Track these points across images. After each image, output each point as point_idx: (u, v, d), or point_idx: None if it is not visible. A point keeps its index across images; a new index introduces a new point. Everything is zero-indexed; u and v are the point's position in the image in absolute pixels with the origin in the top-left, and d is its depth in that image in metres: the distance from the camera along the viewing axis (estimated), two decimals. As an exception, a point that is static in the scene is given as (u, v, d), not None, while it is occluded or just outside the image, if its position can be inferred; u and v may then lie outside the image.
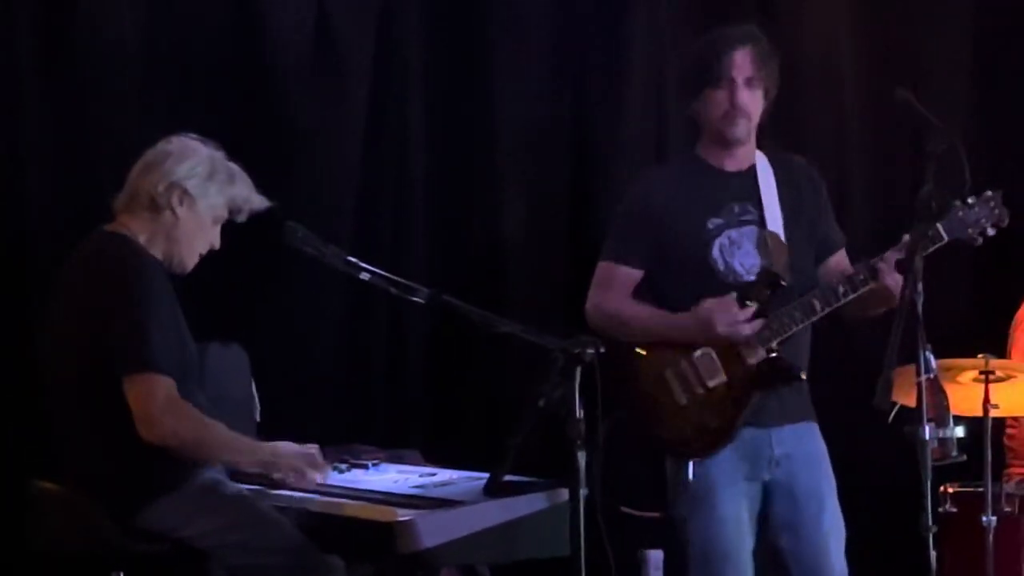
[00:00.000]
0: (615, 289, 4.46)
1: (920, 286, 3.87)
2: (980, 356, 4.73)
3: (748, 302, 4.32)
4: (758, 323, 4.29)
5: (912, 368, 3.84)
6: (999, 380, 4.77)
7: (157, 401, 3.85)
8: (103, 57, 5.30)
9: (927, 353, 3.84)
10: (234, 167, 4.17)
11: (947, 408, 3.95)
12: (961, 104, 6.13)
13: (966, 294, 5.75)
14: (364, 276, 3.95)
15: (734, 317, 4.29)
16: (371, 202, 5.66)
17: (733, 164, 4.45)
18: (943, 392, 3.97)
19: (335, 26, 5.62)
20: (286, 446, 4.13)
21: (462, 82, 5.83)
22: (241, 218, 4.20)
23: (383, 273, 3.95)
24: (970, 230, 4.27)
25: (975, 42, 6.30)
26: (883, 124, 6.04)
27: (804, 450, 4.42)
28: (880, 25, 6.23)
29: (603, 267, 4.52)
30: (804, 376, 4.38)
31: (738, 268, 4.38)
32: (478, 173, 5.87)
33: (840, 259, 4.54)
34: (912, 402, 3.84)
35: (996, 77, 6.31)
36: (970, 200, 4.26)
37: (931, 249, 4.17)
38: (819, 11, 6.15)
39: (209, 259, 4.21)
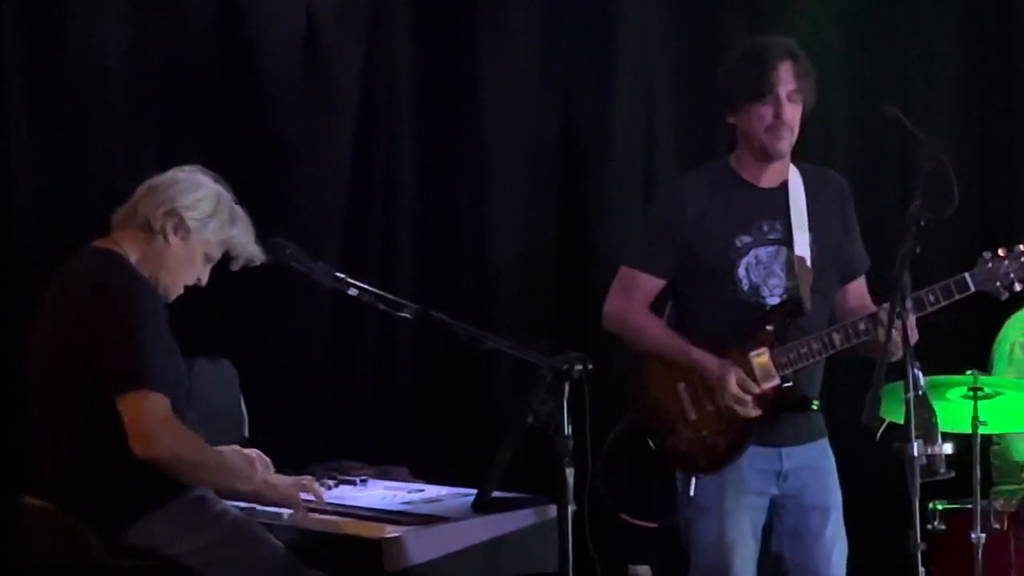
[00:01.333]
0: (635, 297, 4.47)
1: (908, 303, 3.87)
2: (969, 373, 4.73)
3: (768, 326, 4.33)
4: (753, 412, 4.29)
5: (900, 385, 3.84)
6: (987, 397, 4.76)
7: (153, 418, 3.83)
8: (90, 72, 5.29)
9: (915, 370, 3.84)
10: (239, 210, 4.14)
11: (935, 425, 3.94)
12: (948, 123, 6.14)
13: (954, 311, 5.74)
14: (352, 292, 3.94)
15: (744, 394, 4.29)
16: (359, 218, 5.66)
17: (767, 179, 4.44)
18: (931, 409, 3.96)
19: (323, 42, 5.62)
20: (281, 477, 4.11)
21: (450, 98, 5.84)
22: (235, 266, 4.16)
23: (371, 289, 3.95)
24: (998, 283, 4.29)
25: (963, 60, 6.32)
26: (871, 140, 6.05)
27: (813, 465, 4.45)
28: (867, 47, 6.24)
29: (625, 273, 4.51)
30: (816, 406, 4.40)
31: (762, 289, 4.38)
32: (466, 188, 5.87)
33: (859, 285, 4.56)
34: (900, 419, 3.84)
35: (984, 97, 6.32)
36: (1000, 252, 4.27)
37: (957, 298, 4.20)
38: (808, 25, 6.16)
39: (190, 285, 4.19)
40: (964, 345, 5.60)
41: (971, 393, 4.73)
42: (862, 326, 4.30)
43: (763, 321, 4.35)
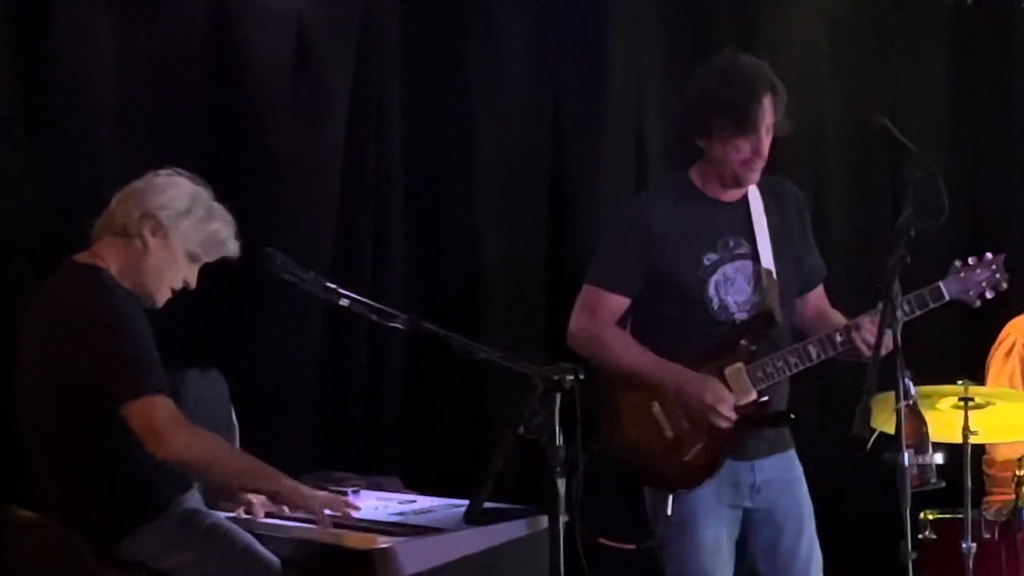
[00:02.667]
0: (601, 316, 4.41)
1: (899, 313, 3.88)
2: (959, 383, 4.73)
3: (742, 341, 4.33)
4: (729, 422, 4.28)
5: (891, 395, 3.84)
6: (978, 407, 4.77)
7: (164, 420, 3.83)
8: (81, 81, 5.28)
9: (906, 380, 3.85)
10: (216, 206, 4.13)
11: (926, 435, 3.95)
12: (936, 136, 6.16)
13: (945, 320, 5.75)
14: (343, 302, 3.94)
15: (723, 410, 4.28)
16: (350, 229, 5.66)
17: (727, 195, 4.43)
18: (922, 419, 3.98)
19: (314, 52, 5.62)
20: (308, 488, 4.06)
21: (441, 109, 5.84)
22: (207, 259, 4.14)
23: (362, 299, 3.95)
24: (971, 292, 4.31)
25: (953, 71, 6.34)
26: (860, 153, 6.06)
27: (783, 477, 4.44)
28: (857, 58, 6.26)
29: (590, 291, 4.45)
30: (794, 416, 4.39)
31: (731, 305, 4.37)
32: (457, 200, 5.87)
33: (819, 293, 4.56)
34: (891, 429, 3.85)
35: (973, 107, 6.35)
36: (971, 261, 4.30)
37: (931, 307, 4.21)
38: (798, 43, 6.18)
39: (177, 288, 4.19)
40: (955, 355, 5.61)
41: (962, 403, 4.73)
42: (839, 338, 4.31)
43: (736, 336, 4.34)
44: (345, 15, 5.70)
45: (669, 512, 4.31)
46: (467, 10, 5.88)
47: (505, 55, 5.91)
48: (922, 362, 4.10)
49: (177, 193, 4.09)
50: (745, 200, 4.43)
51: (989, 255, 4.36)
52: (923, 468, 3.88)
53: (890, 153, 5.34)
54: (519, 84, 5.92)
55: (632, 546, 4.45)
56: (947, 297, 4.31)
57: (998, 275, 4.35)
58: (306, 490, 4.01)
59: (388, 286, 5.64)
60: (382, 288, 5.56)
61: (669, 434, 4.36)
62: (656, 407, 4.37)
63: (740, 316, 4.36)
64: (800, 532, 4.42)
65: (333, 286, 3.95)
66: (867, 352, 4.14)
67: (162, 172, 4.15)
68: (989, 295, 4.37)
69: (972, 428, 4.71)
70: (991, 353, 5.41)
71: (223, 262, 4.19)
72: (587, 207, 5.94)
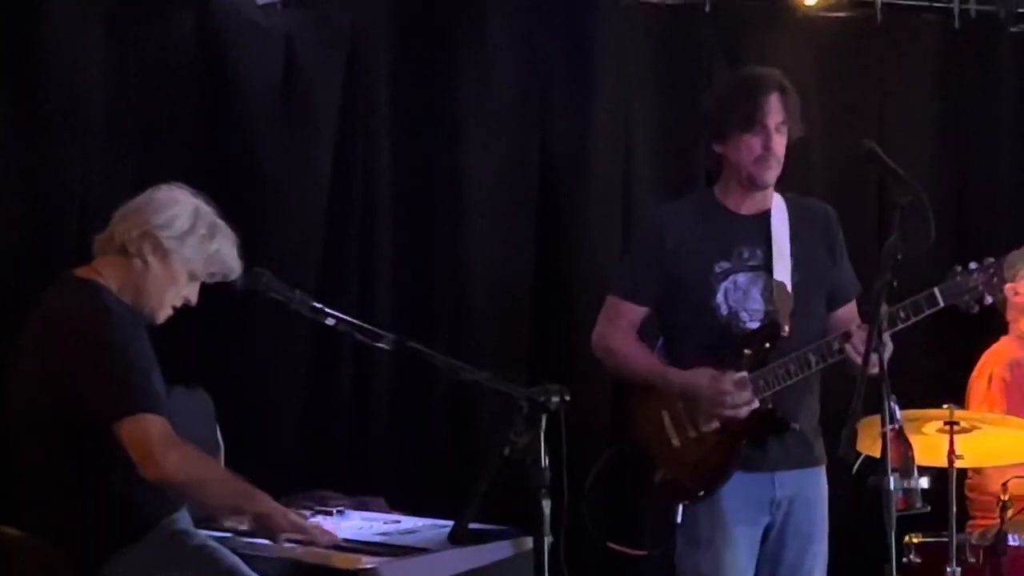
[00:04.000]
0: (620, 325, 4.52)
1: (887, 336, 3.89)
2: (945, 407, 4.74)
3: (747, 350, 4.36)
4: (744, 407, 4.31)
5: (877, 419, 3.84)
6: (964, 431, 4.77)
7: (156, 439, 3.78)
8: (71, 99, 5.29)
9: (892, 404, 3.85)
10: (220, 223, 4.09)
11: (912, 459, 3.95)
12: (923, 159, 6.17)
13: (931, 345, 5.77)
14: (330, 322, 3.93)
15: (724, 392, 4.31)
16: (337, 248, 5.65)
17: (748, 207, 4.49)
18: (908, 443, 3.98)
19: (302, 71, 5.62)
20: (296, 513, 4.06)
21: (428, 127, 5.84)
22: (209, 280, 4.11)
23: (349, 319, 3.94)
24: (967, 297, 4.32)
25: (937, 97, 6.36)
26: (847, 175, 6.07)
27: (805, 493, 4.47)
28: (845, 79, 6.27)
29: (610, 302, 4.58)
30: (797, 427, 4.40)
31: (741, 314, 4.42)
32: (444, 218, 5.87)
33: (848, 311, 4.57)
34: (877, 452, 3.85)
35: (961, 131, 6.36)
36: (971, 266, 4.31)
37: (926, 314, 4.22)
38: (785, 64, 6.17)
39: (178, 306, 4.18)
40: (940, 379, 5.62)
41: (947, 427, 4.74)
42: (836, 345, 4.33)
43: (742, 346, 4.38)
44: (334, 33, 5.71)
45: (679, 520, 4.34)
46: (455, 28, 5.88)
47: (493, 72, 5.91)
48: (908, 386, 4.11)
49: (178, 211, 4.04)
50: (766, 214, 4.48)
51: (990, 259, 4.36)
52: (908, 492, 3.88)
53: (877, 176, 5.35)
54: (507, 101, 5.93)
55: (643, 552, 4.47)
56: (941, 303, 4.32)
57: (995, 279, 4.34)
58: (292, 515, 4.01)
59: (375, 305, 5.63)
60: (369, 307, 5.55)
61: (676, 443, 4.42)
62: (666, 416, 4.44)
63: (751, 325, 4.41)
64: (806, 549, 4.46)
65: (319, 305, 3.94)
66: (858, 361, 4.14)
67: (164, 187, 4.11)
68: (988, 300, 4.36)
69: (958, 452, 4.71)
70: (970, 384, 5.42)
71: (207, 283, 4.17)
72: (574, 224, 5.94)
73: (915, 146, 6.20)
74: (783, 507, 4.43)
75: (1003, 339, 5.48)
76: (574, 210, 5.98)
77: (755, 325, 4.41)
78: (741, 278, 4.42)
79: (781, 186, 4.58)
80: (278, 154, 5.57)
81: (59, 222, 5.22)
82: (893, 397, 3.85)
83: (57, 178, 5.28)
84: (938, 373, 5.73)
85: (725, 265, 4.42)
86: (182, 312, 4.20)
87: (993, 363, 5.41)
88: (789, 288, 4.41)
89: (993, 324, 5.49)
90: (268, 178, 5.55)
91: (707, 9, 6.09)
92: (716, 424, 4.37)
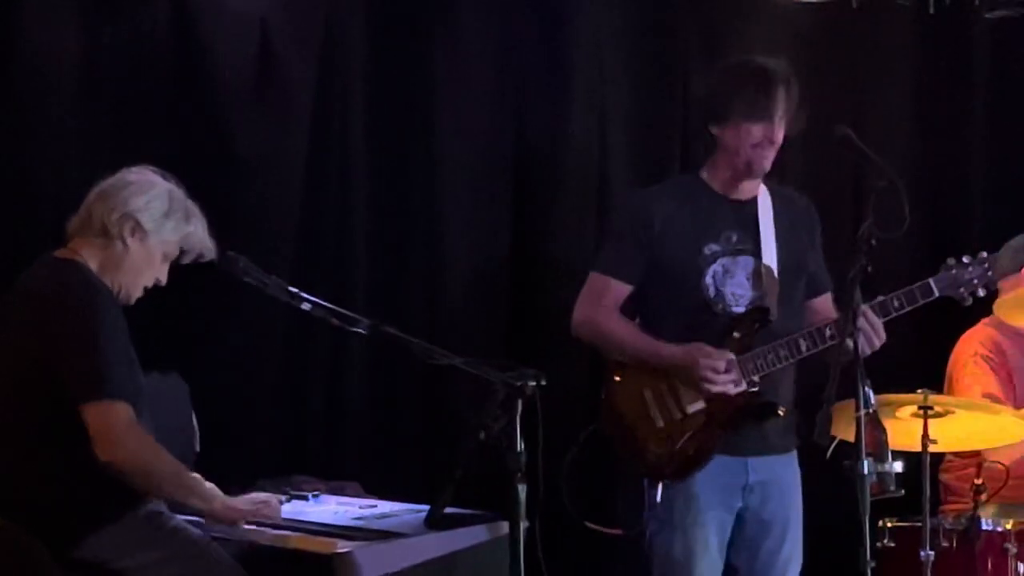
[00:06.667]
0: (604, 303, 4.50)
1: (861, 321, 3.90)
2: (919, 391, 4.75)
3: (735, 333, 4.37)
4: (734, 386, 4.32)
5: (851, 403, 3.86)
6: (938, 416, 4.78)
7: (117, 426, 3.83)
8: (42, 82, 5.26)
9: (866, 388, 3.87)
10: (192, 206, 4.15)
11: (886, 443, 3.96)
12: (898, 145, 6.18)
13: (905, 330, 5.78)
14: (306, 306, 3.94)
15: (717, 370, 4.32)
16: (312, 233, 5.64)
17: (736, 192, 4.51)
18: (882, 427, 3.99)
19: (277, 54, 5.60)
20: (241, 500, 4.10)
21: (404, 110, 5.83)
22: (185, 259, 4.17)
23: (324, 304, 3.94)
24: (961, 289, 4.35)
25: (912, 83, 6.37)
26: (822, 162, 6.08)
27: (778, 479, 4.48)
28: (820, 66, 6.27)
29: (594, 278, 4.55)
30: (783, 412, 4.42)
31: (728, 297, 4.43)
32: (420, 204, 5.86)
33: (825, 301, 4.59)
34: (851, 437, 3.86)
35: (937, 117, 6.37)
36: (964, 259, 4.34)
37: (920, 303, 4.25)
38: (761, 52, 6.16)
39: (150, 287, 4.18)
40: (915, 364, 5.63)
41: (921, 411, 4.75)
42: (828, 332, 4.34)
43: (730, 328, 4.40)
44: (308, 17, 5.68)
45: (658, 500, 4.35)
46: (431, 13, 5.87)
47: (469, 56, 5.90)
48: (882, 371, 4.12)
49: (156, 194, 4.10)
50: (754, 200, 4.49)
51: (984, 253, 4.39)
52: (882, 476, 3.89)
53: (852, 162, 5.37)
54: (483, 85, 5.92)
55: (619, 532, 4.48)
56: (936, 294, 4.35)
57: (991, 273, 4.37)
58: (241, 506, 4.04)
59: (350, 290, 5.62)
60: (344, 292, 5.54)
61: (660, 423, 4.42)
62: (648, 395, 4.43)
63: (737, 309, 4.43)
64: (784, 536, 4.48)
65: (295, 290, 3.95)
66: (864, 349, 4.17)
67: (135, 169, 4.16)
68: (981, 293, 4.40)
69: (931, 437, 4.73)
70: (951, 368, 5.44)
71: (183, 263, 4.18)
72: (550, 210, 5.94)
73: (890, 132, 6.21)
74: (756, 492, 4.44)
75: (978, 324, 5.50)
76: (549, 195, 5.97)
77: (740, 309, 4.42)
78: (729, 262, 4.44)
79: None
80: (253, 138, 5.55)
81: (33, 207, 5.19)
82: (867, 382, 3.87)
83: (30, 161, 5.25)
84: (912, 358, 5.74)
85: (714, 247, 4.44)
86: (158, 297, 4.20)
87: (973, 345, 5.42)
88: (775, 273, 4.43)
89: (968, 311, 5.51)
90: (243, 162, 5.53)
91: (682, -5, 6.10)
92: (701, 404, 4.39)
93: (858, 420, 3.82)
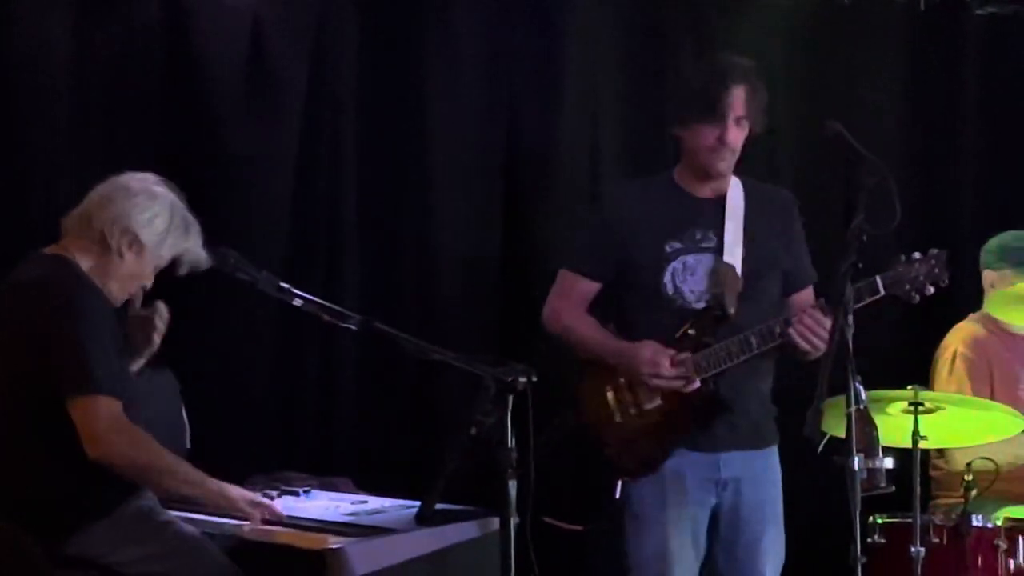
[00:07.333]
0: (572, 299, 4.56)
1: (851, 318, 3.90)
2: (910, 388, 4.76)
3: (690, 330, 4.38)
4: (686, 383, 4.33)
5: (842, 399, 3.86)
6: (928, 412, 4.79)
7: (105, 421, 3.83)
8: (35, 81, 5.26)
9: (857, 384, 3.87)
10: (190, 219, 4.13)
11: (876, 439, 3.96)
12: (889, 141, 6.18)
13: (896, 326, 5.80)
14: (297, 302, 3.94)
15: (660, 366, 4.34)
16: (304, 228, 5.64)
17: (705, 191, 4.52)
18: (872, 423, 3.99)
19: (268, 51, 5.60)
20: (236, 490, 4.09)
21: (395, 108, 5.83)
22: (181, 271, 4.16)
23: (316, 299, 3.94)
24: (907, 287, 4.33)
25: (902, 79, 6.37)
26: (813, 158, 6.08)
27: (753, 474, 4.49)
28: (811, 62, 6.28)
29: (563, 275, 4.61)
30: (735, 409, 4.41)
31: (687, 294, 4.44)
32: (411, 201, 5.86)
33: (806, 295, 4.59)
34: (842, 433, 3.87)
35: (928, 113, 6.37)
36: (915, 255, 4.33)
37: (867, 302, 4.24)
38: (752, 49, 6.18)
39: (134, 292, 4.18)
40: (905, 360, 5.64)
41: (912, 408, 4.76)
42: (777, 329, 4.36)
43: (689, 325, 4.40)
44: (300, 14, 5.69)
45: (617, 495, 4.37)
46: (423, 7, 5.87)
47: (461, 52, 5.90)
48: (873, 367, 4.12)
49: (159, 210, 4.08)
50: (722, 198, 4.50)
51: (934, 251, 4.38)
52: (873, 472, 3.89)
53: (843, 158, 5.37)
54: (474, 85, 5.92)
55: (579, 527, 4.48)
56: (882, 291, 4.33)
57: (937, 270, 4.36)
58: (234, 494, 4.02)
59: (341, 286, 5.63)
60: (335, 288, 5.54)
61: (618, 419, 4.45)
62: (609, 392, 4.46)
63: (697, 306, 4.43)
64: (762, 531, 4.48)
65: (286, 286, 3.95)
66: (803, 345, 4.29)
67: (138, 176, 4.13)
68: (929, 290, 4.38)
69: (922, 433, 4.73)
70: (934, 364, 5.45)
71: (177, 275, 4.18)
72: (541, 209, 5.94)
73: (881, 128, 6.21)
74: (730, 488, 4.45)
75: (967, 318, 5.51)
76: (541, 192, 5.98)
77: (700, 306, 4.43)
78: (691, 259, 4.45)
79: (746, 169, 4.59)
80: (245, 133, 5.56)
81: (24, 205, 5.19)
82: (858, 378, 3.87)
83: (22, 160, 5.25)
84: (903, 354, 5.75)
85: (676, 245, 4.45)
86: (148, 291, 4.19)
87: (955, 342, 5.43)
88: (739, 271, 4.42)
89: (957, 306, 5.52)
90: (234, 157, 5.53)
91: (674, -9, 6.11)
92: (658, 402, 4.41)
93: (849, 416, 3.82)
